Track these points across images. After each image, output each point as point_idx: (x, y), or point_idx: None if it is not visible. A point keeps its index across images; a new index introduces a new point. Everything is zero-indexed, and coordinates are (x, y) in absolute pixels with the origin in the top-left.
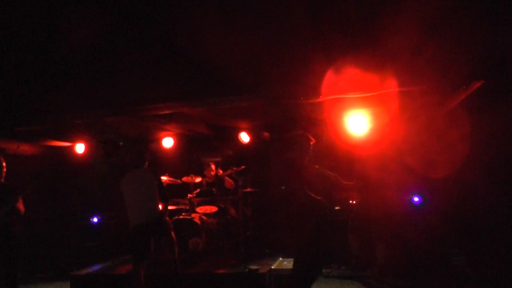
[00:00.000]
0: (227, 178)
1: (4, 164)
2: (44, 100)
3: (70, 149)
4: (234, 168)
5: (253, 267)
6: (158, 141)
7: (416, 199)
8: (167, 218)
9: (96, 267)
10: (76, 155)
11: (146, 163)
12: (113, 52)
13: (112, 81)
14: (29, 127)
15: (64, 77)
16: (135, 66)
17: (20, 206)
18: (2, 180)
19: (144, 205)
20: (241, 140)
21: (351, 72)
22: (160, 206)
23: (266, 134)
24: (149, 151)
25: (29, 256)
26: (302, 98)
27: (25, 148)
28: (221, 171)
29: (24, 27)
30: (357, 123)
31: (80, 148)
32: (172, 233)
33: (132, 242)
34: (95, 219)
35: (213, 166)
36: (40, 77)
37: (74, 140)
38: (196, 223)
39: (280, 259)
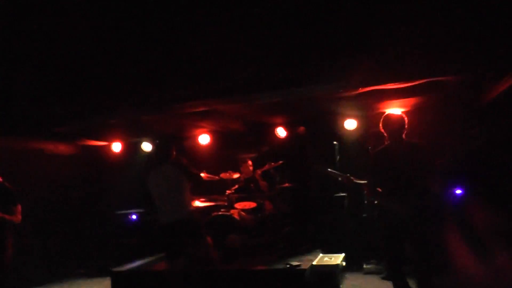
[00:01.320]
0: (260, 180)
1: None
2: (81, 101)
3: (107, 148)
4: (272, 164)
5: (294, 263)
6: (194, 138)
7: (458, 191)
8: (197, 216)
9: (136, 264)
10: (112, 154)
11: (172, 158)
12: (147, 51)
13: (147, 79)
14: (67, 128)
15: (99, 77)
16: (170, 64)
17: (17, 214)
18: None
19: (169, 204)
20: (277, 135)
21: (389, 62)
22: (190, 203)
23: (302, 128)
24: (176, 146)
25: (69, 253)
26: (341, 91)
27: (63, 148)
28: (258, 172)
29: (58, 30)
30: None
31: (116, 146)
32: (204, 232)
33: (161, 241)
34: (134, 216)
35: (249, 162)
36: (76, 78)
37: (110, 139)
38: (235, 219)
39: (321, 254)
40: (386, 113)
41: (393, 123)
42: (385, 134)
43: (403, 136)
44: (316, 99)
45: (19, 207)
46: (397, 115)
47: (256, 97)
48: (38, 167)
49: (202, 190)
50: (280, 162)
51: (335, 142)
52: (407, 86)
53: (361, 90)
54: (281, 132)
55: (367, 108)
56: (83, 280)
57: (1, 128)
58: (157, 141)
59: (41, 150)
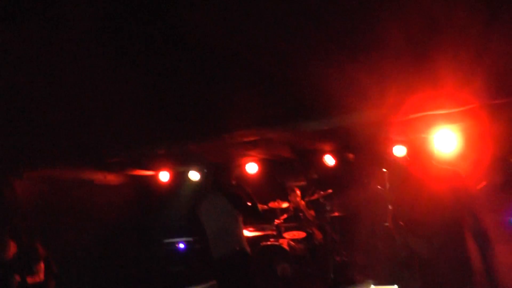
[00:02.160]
0: (306, 210)
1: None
2: (130, 132)
3: (155, 177)
4: (321, 193)
5: None
6: (241, 167)
7: None
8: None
9: None
10: (160, 183)
11: (226, 187)
12: (196, 80)
13: (196, 110)
14: (118, 159)
15: (147, 107)
16: (219, 94)
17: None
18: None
19: (222, 238)
20: (325, 163)
21: (439, 86)
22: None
23: (351, 155)
24: (234, 175)
25: (119, 281)
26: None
27: (112, 178)
28: (303, 202)
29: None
30: (445, 141)
31: (164, 176)
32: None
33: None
34: (181, 245)
35: (298, 192)
36: (125, 109)
37: (158, 168)
38: (284, 249)
39: (372, 286)
40: None
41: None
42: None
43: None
44: (364, 125)
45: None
46: (424, 138)
47: (304, 126)
48: (88, 197)
49: (251, 219)
50: (330, 190)
51: (384, 170)
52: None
53: (409, 116)
54: (329, 160)
55: (417, 132)
56: None
57: (53, 159)
58: (205, 170)
59: (91, 181)
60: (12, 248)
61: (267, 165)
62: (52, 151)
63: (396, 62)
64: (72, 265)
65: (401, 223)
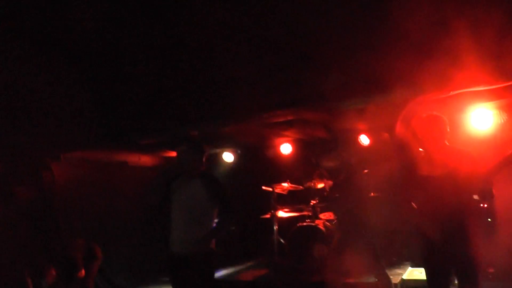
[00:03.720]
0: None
1: None
2: (164, 113)
3: None
4: (363, 171)
5: None
6: (276, 147)
7: None
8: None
9: (220, 273)
10: None
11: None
12: (233, 59)
13: (232, 89)
14: (152, 140)
15: (182, 88)
16: (254, 74)
17: None
18: None
19: (188, 231)
20: (360, 143)
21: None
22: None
23: (386, 135)
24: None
25: (153, 261)
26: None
27: (146, 160)
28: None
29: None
30: (483, 119)
31: None
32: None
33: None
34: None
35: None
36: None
37: None
38: (320, 229)
39: (410, 268)
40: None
41: (432, 127)
42: (422, 140)
43: (445, 142)
44: (400, 104)
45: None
46: (437, 116)
47: (342, 105)
48: (122, 178)
49: (287, 200)
50: (365, 171)
51: (420, 149)
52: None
53: (451, 92)
54: (364, 139)
55: (457, 110)
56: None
57: (89, 141)
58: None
59: (125, 162)
60: None
61: (302, 146)
62: (88, 134)
63: (432, 41)
64: (107, 245)
65: (414, 205)
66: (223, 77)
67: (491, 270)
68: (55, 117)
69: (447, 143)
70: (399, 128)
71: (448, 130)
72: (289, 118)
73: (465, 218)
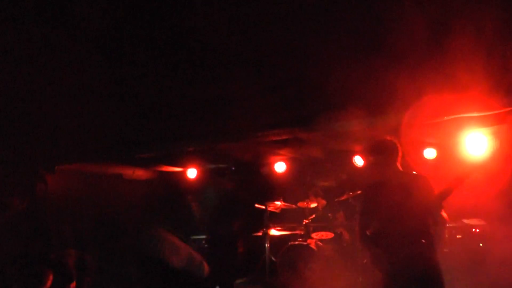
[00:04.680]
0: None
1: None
2: (161, 128)
3: (182, 174)
4: (350, 193)
5: None
6: (270, 165)
7: None
8: None
9: None
10: (187, 180)
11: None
12: (227, 80)
13: (227, 108)
14: (147, 154)
15: (178, 103)
16: (250, 93)
17: None
18: None
19: None
20: (354, 164)
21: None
22: None
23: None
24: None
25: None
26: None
27: (140, 173)
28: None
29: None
30: (477, 144)
31: (192, 173)
32: None
33: None
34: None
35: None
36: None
37: (186, 165)
38: (312, 249)
39: None
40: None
41: (383, 150)
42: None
43: (398, 166)
44: (396, 127)
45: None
46: (388, 140)
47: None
48: (116, 191)
49: (279, 218)
50: (359, 191)
51: (414, 172)
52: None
53: (444, 118)
54: (358, 160)
55: (450, 135)
56: None
57: (84, 154)
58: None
59: (120, 175)
60: None
61: (296, 164)
62: (83, 146)
63: (429, 64)
64: (100, 258)
65: (368, 232)
66: (220, 94)
67: None
68: (50, 129)
69: (400, 168)
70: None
71: (401, 154)
72: (284, 137)
73: (420, 243)
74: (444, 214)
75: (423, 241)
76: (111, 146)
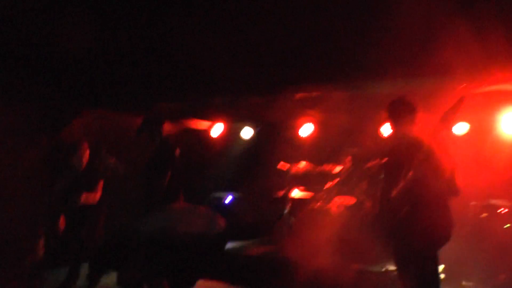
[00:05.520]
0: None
1: (85, 149)
2: (186, 77)
3: (208, 130)
4: (376, 161)
5: (391, 267)
6: (297, 127)
7: None
8: None
9: (229, 245)
10: (213, 136)
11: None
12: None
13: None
14: (170, 103)
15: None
16: (282, 44)
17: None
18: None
19: None
20: (380, 134)
21: None
22: None
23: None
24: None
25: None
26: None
27: (165, 127)
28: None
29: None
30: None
31: (217, 129)
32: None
33: None
34: (229, 200)
35: (349, 158)
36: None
37: (212, 121)
38: (333, 213)
39: None
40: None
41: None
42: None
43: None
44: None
45: (101, 184)
46: (403, 100)
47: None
48: (140, 144)
49: (302, 180)
50: (386, 159)
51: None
52: None
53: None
54: (385, 129)
55: (486, 111)
56: None
57: (107, 103)
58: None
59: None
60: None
61: (323, 128)
62: (109, 91)
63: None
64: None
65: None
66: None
67: (503, 276)
68: (78, 72)
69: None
70: None
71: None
72: (313, 94)
73: (434, 210)
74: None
75: (436, 208)
76: (136, 94)
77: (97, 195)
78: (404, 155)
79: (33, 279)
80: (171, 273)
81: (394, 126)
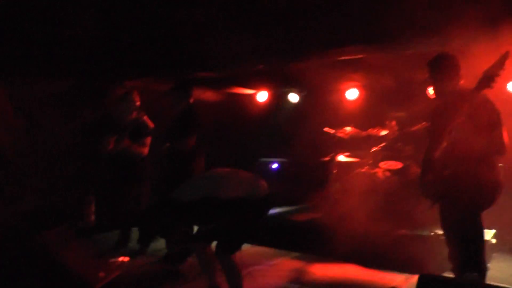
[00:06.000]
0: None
1: (136, 99)
2: (228, 45)
3: (253, 97)
4: (422, 124)
5: (439, 231)
6: (342, 92)
7: None
8: None
9: (274, 211)
10: (258, 103)
11: None
12: None
13: (299, 22)
14: (212, 73)
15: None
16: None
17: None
18: (133, 115)
19: None
20: (428, 95)
21: None
22: None
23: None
24: None
25: None
26: None
27: (210, 95)
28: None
29: None
30: None
31: (262, 96)
32: None
33: None
34: (275, 165)
35: (394, 122)
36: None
37: (257, 87)
38: (378, 178)
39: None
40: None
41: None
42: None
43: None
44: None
45: (148, 140)
46: (446, 54)
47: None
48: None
49: (348, 144)
50: (429, 120)
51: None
52: None
53: None
54: (432, 91)
55: None
56: None
57: (152, 69)
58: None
59: None
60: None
61: (368, 92)
62: (153, 63)
63: None
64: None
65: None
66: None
67: None
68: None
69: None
70: None
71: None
72: (358, 56)
73: (480, 168)
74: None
75: (481, 168)
76: (177, 64)
77: (146, 149)
78: (448, 113)
79: (85, 243)
80: (216, 239)
81: (436, 83)
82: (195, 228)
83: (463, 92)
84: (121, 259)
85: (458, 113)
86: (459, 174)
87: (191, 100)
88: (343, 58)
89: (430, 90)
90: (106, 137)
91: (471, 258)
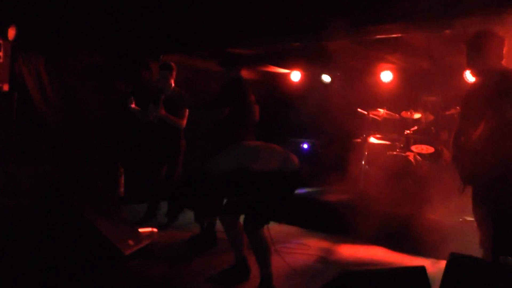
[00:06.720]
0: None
1: (173, 73)
2: (259, 22)
3: (287, 76)
4: (457, 109)
5: (469, 218)
6: (376, 74)
7: None
8: None
9: (303, 190)
10: (291, 82)
11: None
12: None
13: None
14: (250, 51)
15: None
16: None
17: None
18: (171, 88)
19: None
20: (465, 80)
21: None
22: None
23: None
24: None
25: None
26: None
27: (244, 73)
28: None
29: None
30: None
31: (296, 75)
32: None
33: None
34: (305, 145)
35: (429, 106)
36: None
37: (291, 67)
38: (410, 162)
39: None
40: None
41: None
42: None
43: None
44: None
45: (186, 112)
46: (486, 31)
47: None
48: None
49: (380, 126)
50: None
51: None
52: None
53: None
54: (469, 76)
55: None
56: None
57: (187, 44)
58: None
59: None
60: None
61: (403, 75)
62: (187, 40)
63: None
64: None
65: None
66: None
67: None
68: (157, 19)
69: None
70: None
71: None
72: (395, 35)
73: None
74: None
75: None
76: (212, 40)
77: (184, 121)
78: (488, 94)
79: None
80: (245, 211)
81: (474, 62)
82: (225, 200)
83: (505, 72)
84: (150, 229)
85: (499, 95)
86: (498, 157)
87: (241, 74)
88: (381, 36)
89: (468, 75)
90: (151, 106)
91: (505, 241)
